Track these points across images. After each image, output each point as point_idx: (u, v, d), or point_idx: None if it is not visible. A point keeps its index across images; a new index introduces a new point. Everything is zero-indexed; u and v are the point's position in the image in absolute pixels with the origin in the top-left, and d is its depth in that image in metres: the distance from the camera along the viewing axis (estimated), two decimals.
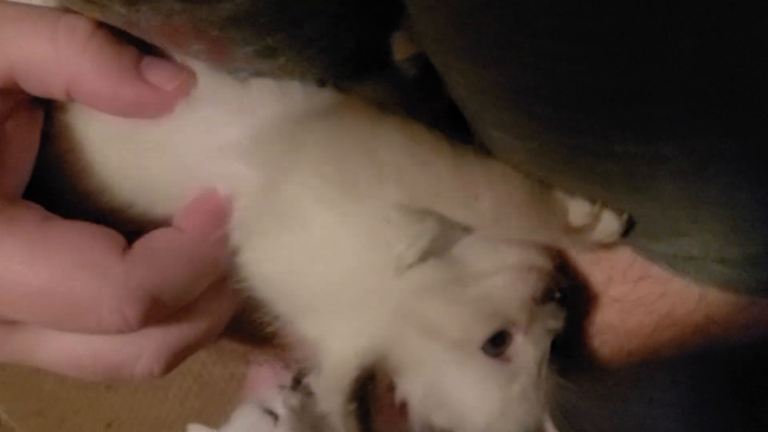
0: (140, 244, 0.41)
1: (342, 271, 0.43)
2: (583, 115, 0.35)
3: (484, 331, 0.41)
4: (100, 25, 0.40)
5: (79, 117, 0.44)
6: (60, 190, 0.45)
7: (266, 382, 1.11)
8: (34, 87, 0.41)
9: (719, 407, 0.81)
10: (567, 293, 0.43)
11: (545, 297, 0.43)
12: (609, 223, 0.43)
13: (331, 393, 0.42)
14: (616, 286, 0.47)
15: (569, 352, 0.49)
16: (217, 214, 0.44)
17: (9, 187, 0.41)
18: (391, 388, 0.42)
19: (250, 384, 1.16)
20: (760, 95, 0.32)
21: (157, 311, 0.41)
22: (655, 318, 0.47)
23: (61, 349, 0.42)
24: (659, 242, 0.44)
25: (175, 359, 0.44)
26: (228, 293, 0.45)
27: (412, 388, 0.42)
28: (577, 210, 0.43)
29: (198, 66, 0.43)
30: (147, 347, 0.42)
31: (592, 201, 0.43)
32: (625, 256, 0.47)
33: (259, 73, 0.43)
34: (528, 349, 0.42)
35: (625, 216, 0.43)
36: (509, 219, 0.42)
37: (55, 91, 0.41)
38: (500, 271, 0.42)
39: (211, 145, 0.43)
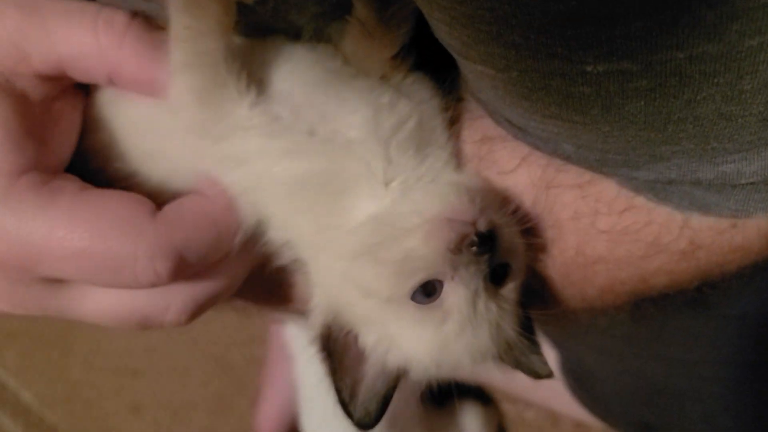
0: (169, 208, 0.46)
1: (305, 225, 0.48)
2: (552, 39, 0.38)
3: (408, 286, 0.46)
4: (136, 14, 0.45)
5: (111, 105, 0.49)
6: (90, 169, 0.49)
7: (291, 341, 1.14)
8: (80, 75, 0.46)
9: (740, 362, 0.83)
10: (488, 236, 0.45)
11: (460, 245, 0.45)
12: None
13: (310, 343, 0.49)
14: (602, 218, 0.49)
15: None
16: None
17: (54, 163, 0.46)
18: (354, 337, 0.48)
19: (274, 329, 1.19)
20: (703, 10, 0.35)
21: (185, 268, 0.45)
22: (642, 246, 0.49)
23: (102, 303, 0.47)
24: (639, 169, 0.46)
25: (199, 310, 0.49)
26: (243, 255, 0.49)
27: (366, 336, 0.48)
28: None
29: None
30: (174, 300, 0.47)
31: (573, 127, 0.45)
32: (609, 189, 0.49)
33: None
34: (457, 292, 0.46)
35: None
36: None
37: (99, 79, 0.46)
38: (418, 227, 0.46)
39: None
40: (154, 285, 0.44)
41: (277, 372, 1.18)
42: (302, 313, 0.52)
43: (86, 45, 0.44)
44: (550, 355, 1.01)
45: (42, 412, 1.25)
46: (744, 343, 0.81)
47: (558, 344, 0.96)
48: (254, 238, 0.48)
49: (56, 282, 0.45)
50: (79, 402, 1.26)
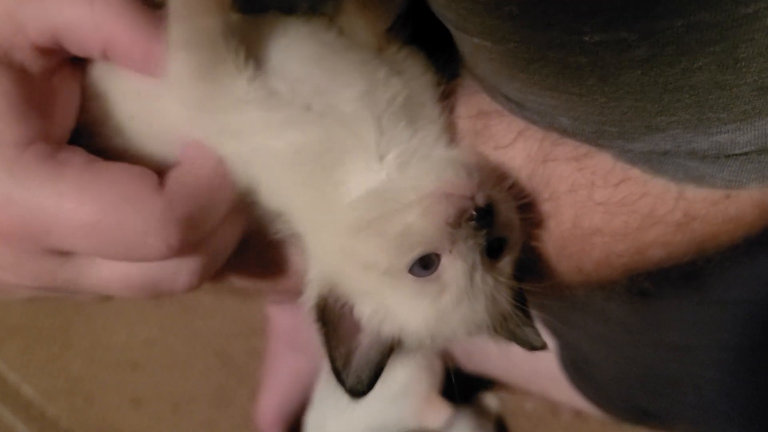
0: (172, 179, 0.46)
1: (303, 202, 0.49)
2: (550, 9, 0.39)
3: (406, 259, 0.46)
4: None
5: (105, 79, 0.49)
6: (82, 144, 0.49)
7: (288, 317, 1.14)
8: (75, 48, 0.46)
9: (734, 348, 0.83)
10: (486, 210, 0.46)
11: (459, 220, 0.46)
12: None
13: (306, 314, 0.50)
14: (598, 190, 0.50)
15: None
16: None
17: (58, 134, 0.47)
18: (349, 307, 0.49)
19: (272, 321, 1.19)
20: None
21: (193, 236, 0.46)
22: (638, 218, 0.50)
23: (112, 274, 0.47)
24: (635, 141, 0.47)
25: (207, 272, 0.49)
26: (235, 219, 0.50)
27: (362, 307, 0.48)
28: None
29: None
30: (184, 264, 0.48)
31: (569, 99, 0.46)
32: (605, 161, 0.49)
33: None
34: (455, 266, 0.46)
35: None
36: None
37: (94, 52, 0.46)
38: (417, 202, 0.46)
39: None
40: (164, 258, 0.45)
41: (277, 363, 1.18)
42: (298, 291, 0.52)
43: (82, 15, 0.44)
44: (548, 343, 1.01)
45: (43, 406, 1.25)
46: (740, 328, 0.82)
47: (556, 332, 0.96)
48: (247, 201, 0.49)
49: (64, 254, 0.46)
50: (80, 396, 1.26)
